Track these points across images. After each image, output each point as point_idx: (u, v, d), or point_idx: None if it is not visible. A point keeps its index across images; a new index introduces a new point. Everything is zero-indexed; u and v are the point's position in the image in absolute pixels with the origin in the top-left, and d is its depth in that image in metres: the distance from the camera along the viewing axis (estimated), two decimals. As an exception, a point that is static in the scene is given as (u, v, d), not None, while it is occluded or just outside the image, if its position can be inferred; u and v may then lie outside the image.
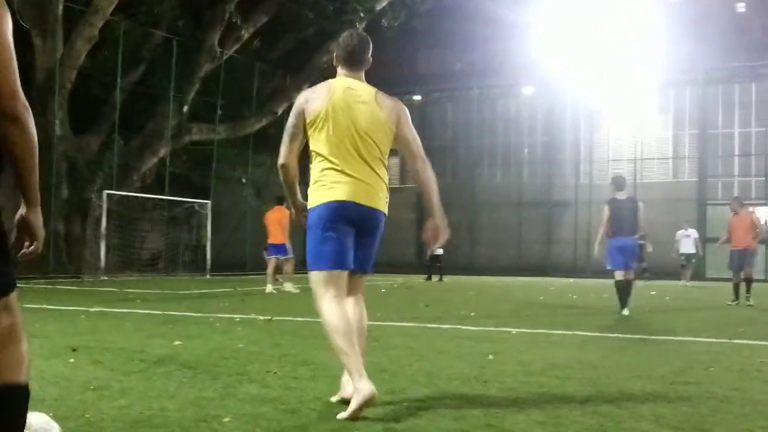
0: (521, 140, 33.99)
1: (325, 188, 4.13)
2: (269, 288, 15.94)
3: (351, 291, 4.28)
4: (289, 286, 16.37)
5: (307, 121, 4.20)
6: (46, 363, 5.42)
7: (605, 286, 21.88)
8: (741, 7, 31.11)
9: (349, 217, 4.13)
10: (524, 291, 18.49)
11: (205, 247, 26.49)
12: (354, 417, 3.76)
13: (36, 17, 21.65)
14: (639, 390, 4.75)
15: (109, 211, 22.61)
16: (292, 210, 4.55)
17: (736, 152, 30.51)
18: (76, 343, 6.60)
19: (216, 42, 26.63)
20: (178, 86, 25.93)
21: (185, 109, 26.47)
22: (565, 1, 30.76)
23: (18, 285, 2.53)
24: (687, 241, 23.29)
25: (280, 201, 16.33)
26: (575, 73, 31.56)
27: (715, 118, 30.87)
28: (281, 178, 4.40)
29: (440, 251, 24.52)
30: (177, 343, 6.72)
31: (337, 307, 4.10)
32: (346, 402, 3.98)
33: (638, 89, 31.45)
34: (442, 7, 31.93)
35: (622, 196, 11.60)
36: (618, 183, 11.84)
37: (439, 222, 4.32)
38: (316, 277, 4.18)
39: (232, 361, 5.70)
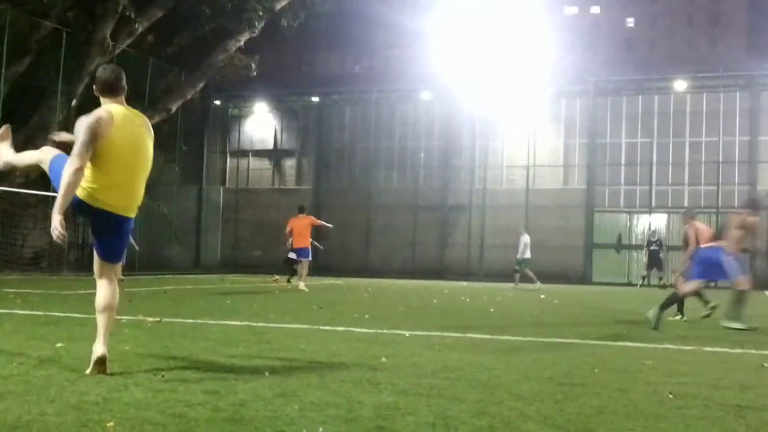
0: (418, 144, 34.31)
1: (104, 194, 5.03)
2: (302, 285, 18.48)
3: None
4: (302, 285, 18.47)
5: (98, 140, 4.93)
6: None
7: (497, 289, 22.39)
8: (630, 23, 32.38)
9: (110, 221, 5.17)
10: (418, 294, 18.66)
11: (91, 245, 25.61)
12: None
13: None
14: (527, 391, 4.84)
15: (-11, 207, 21.63)
16: (57, 219, 4.88)
17: (623, 162, 31.68)
18: (-51, 345, 6.27)
19: (108, 35, 25.78)
20: (66, 79, 25.01)
21: (74, 103, 25.54)
22: (463, 11, 31.30)
23: None
24: (522, 246, 24.03)
25: (302, 209, 19.81)
26: (472, 81, 32.13)
27: (604, 128, 31.96)
28: (71, 180, 4.88)
29: (292, 255, 24.28)
30: (59, 345, 6.46)
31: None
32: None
33: (532, 98, 32.26)
34: (342, 11, 32.02)
35: None
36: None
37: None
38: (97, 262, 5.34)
39: (118, 364, 5.50)
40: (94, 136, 4.95)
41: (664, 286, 24.40)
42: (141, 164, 5.19)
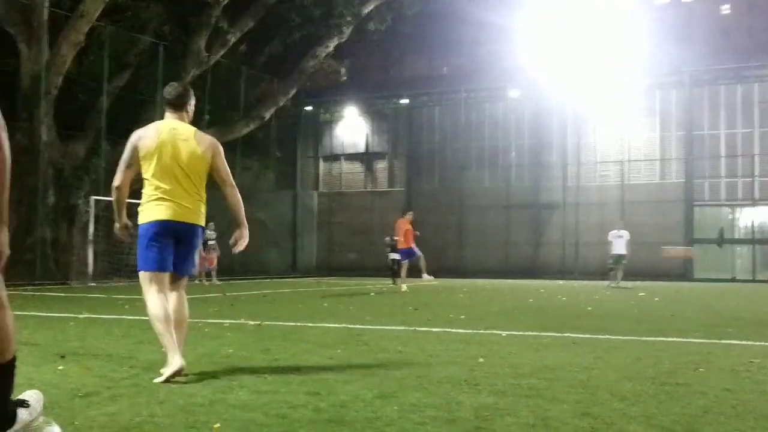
0: (508, 143, 34.06)
1: (153, 207, 5.28)
2: (404, 287, 19.13)
3: (174, 289, 5.42)
4: (404, 287, 19.34)
5: (140, 155, 5.32)
6: (34, 370, 5.38)
7: (594, 287, 21.98)
8: (725, 10, 31.29)
9: (170, 231, 5.29)
10: (513, 293, 18.51)
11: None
12: (166, 381, 4.88)
13: (21, 23, 21.54)
14: (629, 391, 4.75)
15: (96, 216, 22.46)
16: (116, 225, 5.59)
17: (723, 153, 30.67)
18: (64, 350, 6.56)
19: (202, 47, 26.57)
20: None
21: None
22: (551, 5, 30.86)
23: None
24: (619, 242, 22.89)
25: (403, 213, 20.91)
26: (561, 77, 31.66)
27: (701, 119, 31.03)
28: (114, 197, 5.49)
29: (396, 256, 24.12)
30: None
31: (157, 300, 5.21)
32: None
33: (625, 92, 31.59)
34: (428, 11, 31.99)
35: None
36: None
37: (243, 231, 5.55)
38: (143, 275, 5.31)
39: (222, 366, 5.68)
40: (132, 149, 5.35)
41: None
42: (185, 174, 5.32)
